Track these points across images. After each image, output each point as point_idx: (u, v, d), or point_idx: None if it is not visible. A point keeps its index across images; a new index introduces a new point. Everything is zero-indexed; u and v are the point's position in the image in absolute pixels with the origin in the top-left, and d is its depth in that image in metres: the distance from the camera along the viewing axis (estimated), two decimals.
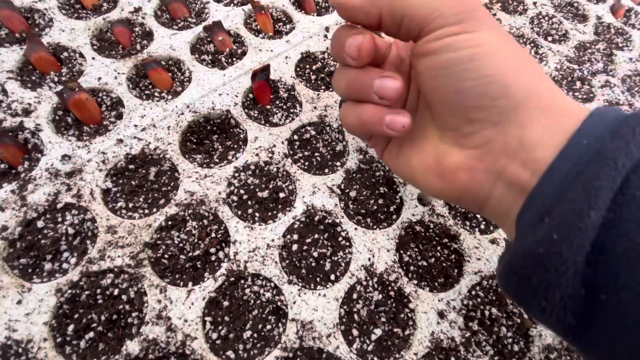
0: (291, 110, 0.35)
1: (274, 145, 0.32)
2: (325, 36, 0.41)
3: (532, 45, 0.45)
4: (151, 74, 0.34)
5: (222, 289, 0.26)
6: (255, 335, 0.25)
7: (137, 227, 0.27)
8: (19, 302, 0.24)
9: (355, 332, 0.26)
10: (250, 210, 0.29)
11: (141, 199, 0.29)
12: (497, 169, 0.20)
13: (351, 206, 0.31)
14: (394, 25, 0.22)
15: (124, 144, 0.31)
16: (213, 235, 0.28)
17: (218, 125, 0.33)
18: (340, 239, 0.29)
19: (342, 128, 0.34)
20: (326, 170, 0.32)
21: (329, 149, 0.33)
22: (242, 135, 0.33)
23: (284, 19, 0.42)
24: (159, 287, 0.25)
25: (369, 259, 0.28)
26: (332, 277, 0.27)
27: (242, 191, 0.30)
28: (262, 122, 0.34)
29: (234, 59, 0.37)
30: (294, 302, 0.26)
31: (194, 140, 0.33)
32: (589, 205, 0.15)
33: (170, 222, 0.28)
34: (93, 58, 0.35)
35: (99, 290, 0.25)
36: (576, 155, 0.16)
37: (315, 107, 0.35)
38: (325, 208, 0.30)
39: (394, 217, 0.31)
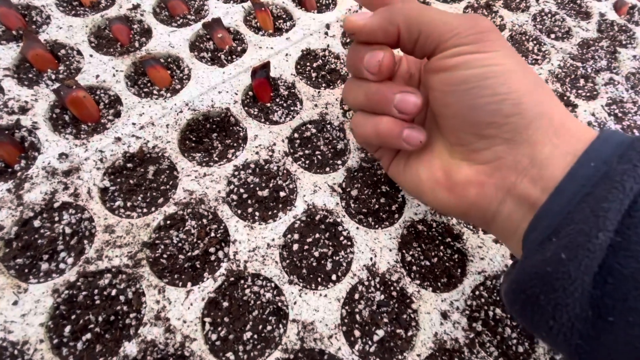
0: (291, 108, 0.35)
1: (274, 144, 0.32)
2: (326, 33, 0.40)
3: (535, 42, 0.45)
4: (150, 71, 0.34)
5: (222, 289, 0.26)
6: (255, 336, 0.25)
7: (135, 227, 0.27)
8: (15, 302, 0.24)
9: (357, 333, 0.25)
10: (250, 210, 0.29)
11: (139, 198, 0.28)
12: (507, 185, 0.20)
13: (353, 205, 0.30)
14: (410, 42, 0.23)
15: (122, 142, 0.30)
16: (212, 234, 0.27)
17: (217, 123, 0.33)
18: (341, 238, 0.28)
19: (343, 126, 0.34)
20: (327, 169, 0.32)
21: (330, 147, 0.33)
22: (241, 134, 0.33)
23: (284, 16, 0.41)
24: (157, 288, 0.25)
25: (371, 259, 0.28)
26: (334, 277, 0.27)
27: (242, 190, 0.29)
28: (262, 120, 0.33)
29: (234, 56, 0.37)
30: (295, 303, 0.25)
31: (193, 139, 0.32)
32: (597, 226, 0.15)
33: (169, 222, 0.28)
34: (91, 55, 0.34)
35: (96, 291, 0.25)
36: (584, 177, 0.17)
37: (316, 105, 0.35)
38: (326, 207, 0.29)
39: (396, 216, 0.30)
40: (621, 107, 0.41)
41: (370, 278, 0.27)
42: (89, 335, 0.23)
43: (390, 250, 0.28)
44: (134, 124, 0.31)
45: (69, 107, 0.30)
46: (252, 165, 0.31)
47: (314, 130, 0.33)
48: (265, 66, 0.33)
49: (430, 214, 0.31)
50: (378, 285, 0.27)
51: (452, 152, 0.23)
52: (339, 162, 0.32)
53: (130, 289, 0.25)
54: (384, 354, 0.25)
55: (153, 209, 0.28)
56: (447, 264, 0.29)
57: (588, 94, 0.41)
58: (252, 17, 0.40)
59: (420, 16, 0.22)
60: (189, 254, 0.26)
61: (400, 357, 0.25)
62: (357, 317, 0.26)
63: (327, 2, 0.44)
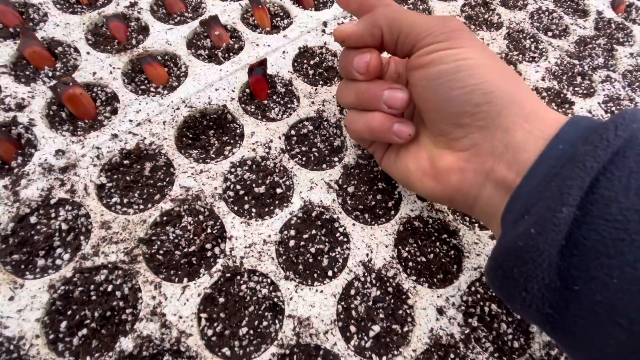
0: (288, 105, 0.35)
1: (271, 141, 0.32)
2: (323, 31, 0.40)
3: (532, 40, 0.45)
4: (147, 68, 0.34)
5: (218, 285, 0.26)
6: (251, 331, 0.25)
7: (131, 223, 0.27)
8: (11, 298, 0.24)
9: (353, 329, 0.25)
10: (246, 206, 0.29)
11: (136, 195, 0.28)
12: (485, 169, 0.22)
13: (349, 202, 0.30)
14: (392, 43, 0.25)
15: (119, 139, 0.30)
16: (209, 230, 0.27)
17: (214, 120, 0.33)
18: (337, 234, 0.28)
19: (340, 123, 0.34)
20: (324, 166, 0.32)
21: (326, 144, 0.33)
22: (238, 131, 0.33)
23: (281, 13, 0.41)
24: (153, 283, 0.25)
25: (367, 255, 0.28)
26: (330, 273, 0.27)
27: (238, 186, 0.29)
28: (259, 117, 0.33)
29: (231, 53, 0.37)
30: (291, 299, 0.26)
31: (190, 136, 0.32)
32: (561, 202, 0.16)
33: (165, 218, 0.28)
34: (88, 53, 0.34)
35: (92, 287, 0.25)
36: (553, 158, 0.18)
37: (312, 102, 0.35)
38: (322, 203, 0.29)
39: (393, 212, 0.30)
40: (618, 104, 0.41)
41: (366, 274, 0.27)
42: (85, 331, 0.23)
43: (387, 246, 0.28)
44: (130, 120, 0.31)
45: (66, 104, 0.30)
46: (249, 162, 0.31)
47: (310, 128, 0.33)
48: (262, 63, 0.33)
49: (427, 211, 0.31)
50: (374, 281, 0.27)
51: (435, 142, 0.25)
52: (336, 159, 0.32)
53: (126, 285, 0.25)
54: (379, 349, 0.25)
55: (149, 205, 0.28)
56: (443, 260, 0.29)
57: (585, 92, 0.42)
58: (249, 15, 0.40)
59: (399, 19, 0.24)
60: (185, 250, 0.26)
61: (396, 352, 0.25)
62: (353, 312, 0.26)
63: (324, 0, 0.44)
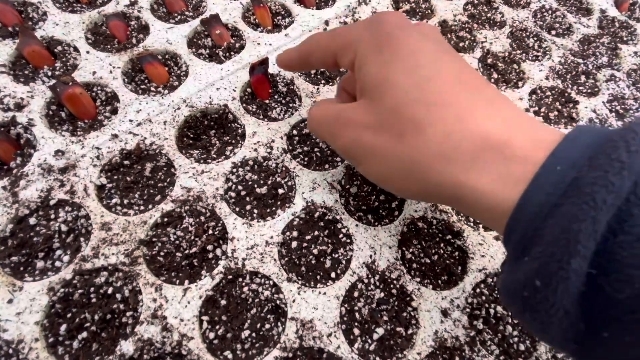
0: (290, 105, 0.34)
1: (273, 141, 0.31)
2: (325, 30, 0.40)
3: (536, 38, 0.45)
4: (147, 68, 0.33)
5: (220, 287, 0.25)
6: (253, 334, 0.24)
7: (132, 224, 0.27)
8: (10, 301, 0.23)
9: (356, 332, 0.25)
10: (248, 207, 0.28)
11: (136, 195, 0.28)
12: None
13: (352, 202, 0.30)
14: (329, 65, 0.26)
15: (119, 139, 0.30)
16: (210, 232, 0.27)
17: (215, 120, 0.33)
18: (340, 235, 0.28)
19: None
20: (326, 166, 0.31)
21: None
22: (240, 130, 0.32)
23: (282, 12, 0.41)
24: (154, 286, 0.25)
25: (371, 256, 0.27)
26: (333, 274, 0.27)
27: (240, 187, 0.29)
28: (261, 116, 0.33)
29: (232, 53, 0.36)
30: (294, 301, 0.25)
31: (191, 136, 0.32)
32: (568, 252, 0.13)
33: (166, 219, 0.27)
34: (87, 52, 0.34)
35: (92, 289, 0.24)
36: (550, 183, 0.15)
37: (314, 102, 0.34)
38: (325, 204, 0.29)
39: (396, 213, 0.30)
40: (622, 103, 0.41)
41: (369, 276, 0.27)
42: (84, 334, 0.23)
43: (390, 247, 0.28)
44: (131, 120, 0.31)
45: (66, 103, 0.30)
46: (251, 162, 0.31)
47: None
48: (264, 62, 0.33)
49: (431, 212, 0.30)
50: (378, 283, 0.27)
51: None
52: (338, 159, 0.32)
53: (126, 287, 0.25)
54: (383, 352, 0.25)
55: (150, 206, 0.28)
56: (447, 261, 0.28)
57: (589, 91, 0.41)
58: (250, 14, 0.40)
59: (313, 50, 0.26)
60: (187, 251, 0.26)
61: (400, 355, 0.25)
62: (357, 315, 0.25)
63: None
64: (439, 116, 0.18)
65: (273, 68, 0.36)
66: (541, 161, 0.16)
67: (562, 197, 0.14)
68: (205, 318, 0.24)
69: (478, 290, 0.28)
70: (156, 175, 0.29)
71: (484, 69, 0.41)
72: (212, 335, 0.24)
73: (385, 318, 0.26)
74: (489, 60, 0.41)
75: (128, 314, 0.24)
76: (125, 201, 0.28)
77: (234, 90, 0.34)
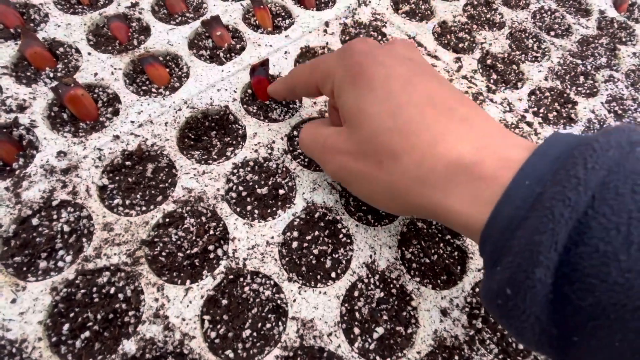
0: (290, 106, 0.34)
1: (274, 141, 0.32)
2: (325, 31, 0.40)
3: (535, 39, 0.45)
4: (148, 69, 0.34)
5: (221, 287, 0.26)
6: (254, 334, 0.24)
7: (134, 225, 0.27)
8: (13, 301, 0.24)
9: (356, 331, 0.25)
10: (249, 207, 0.29)
11: (138, 196, 0.28)
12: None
13: (352, 203, 0.30)
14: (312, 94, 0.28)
15: (121, 140, 0.30)
16: (211, 232, 0.27)
17: (216, 121, 0.33)
18: (341, 236, 0.28)
19: None
20: None
21: None
22: (240, 132, 0.32)
23: (283, 13, 0.41)
24: (156, 286, 0.25)
25: (371, 256, 0.28)
26: (333, 274, 0.27)
27: (241, 188, 0.29)
28: (261, 117, 0.33)
29: (233, 54, 0.37)
30: (294, 300, 0.25)
31: (192, 137, 0.32)
32: (532, 262, 0.14)
33: (167, 220, 0.27)
34: (89, 53, 0.34)
35: (94, 289, 0.24)
36: (519, 198, 0.16)
37: (315, 103, 0.35)
38: (325, 205, 0.29)
39: None
40: (621, 104, 0.41)
41: (369, 275, 0.27)
42: (87, 334, 0.23)
43: (390, 247, 0.28)
44: (132, 122, 0.31)
45: (67, 105, 0.30)
46: (251, 163, 0.31)
47: None
48: (264, 64, 0.33)
49: None
50: (378, 283, 0.27)
51: None
52: None
53: (129, 287, 0.25)
54: (383, 351, 0.25)
55: (152, 206, 0.28)
56: (447, 261, 0.29)
57: (588, 91, 0.41)
58: (251, 15, 0.40)
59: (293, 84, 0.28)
60: (188, 251, 0.26)
61: (400, 354, 0.25)
62: (357, 314, 0.26)
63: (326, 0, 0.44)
64: (412, 143, 0.20)
65: (273, 69, 0.36)
66: (507, 182, 0.16)
67: (529, 211, 0.15)
68: (206, 317, 0.24)
69: (477, 289, 0.28)
70: (158, 176, 0.29)
71: (483, 70, 0.41)
72: (213, 334, 0.24)
73: (385, 317, 0.26)
74: (489, 61, 0.41)
75: (130, 313, 0.24)
76: (127, 202, 0.28)
77: (235, 92, 0.34)
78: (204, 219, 0.28)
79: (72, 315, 0.24)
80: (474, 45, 0.43)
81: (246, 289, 0.26)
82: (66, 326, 0.23)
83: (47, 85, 0.32)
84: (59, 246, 0.26)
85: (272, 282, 0.26)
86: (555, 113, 0.39)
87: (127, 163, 0.29)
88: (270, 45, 0.38)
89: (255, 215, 0.28)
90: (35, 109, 0.30)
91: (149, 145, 0.30)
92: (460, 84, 0.39)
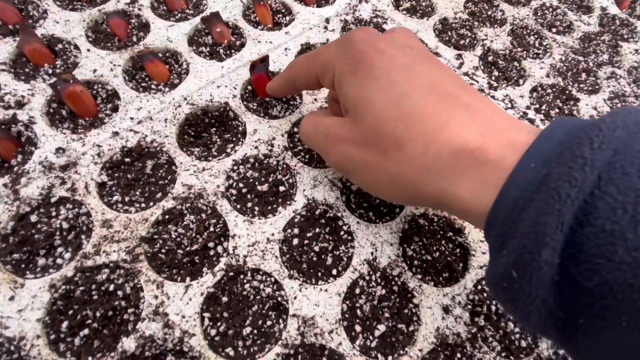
0: (291, 102, 0.34)
1: (274, 138, 0.31)
2: (325, 28, 0.40)
3: (537, 36, 0.45)
4: (148, 66, 0.33)
5: (221, 284, 0.25)
6: (255, 331, 0.24)
7: (133, 222, 0.27)
8: (12, 298, 0.23)
9: (358, 328, 0.25)
10: (249, 204, 0.28)
11: (137, 193, 0.28)
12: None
13: (353, 200, 0.30)
14: (311, 86, 0.27)
15: (120, 136, 0.30)
16: (211, 229, 0.27)
17: (216, 117, 0.33)
18: (342, 232, 0.28)
19: None
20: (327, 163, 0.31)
21: None
22: (240, 128, 0.32)
23: (283, 10, 0.41)
24: (155, 283, 0.25)
25: (372, 253, 0.27)
26: (334, 271, 0.27)
27: (241, 184, 0.29)
28: (262, 114, 0.33)
29: (233, 50, 0.36)
30: (295, 298, 0.25)
31: (192, 133, 0.32)
32: (538, 243, 0.14)
33: (167, 216, 0.27)
34: (88, 50, 0.34)
35: (94, 286, 0.24)
36: (525, 180, 0.16)
37: (315, 99, 0.34)
38: (326, 201, 0.29)
39: (397, 210, 0.30)
40: (623, 101, 0.41)
41: (371, 272, 0.27)
42: (86, 331, 0.23)
43: (392, 244, 0.28)
44: (131, 118, 0.31)
45: (66, 101, 0.30)
46: (252, 160, 0.30)
47: None
48: (264, 60, 0.33)
49: (432, 209, 0.30)
50: (379, 280, 0.27)
51: None
52: None
53: (128, 284, 0.25)
54: (385, 349, 0.25)
55: (151, 203, 0.28)
56: (448, 258, 0.28)
57: (590, 88, 0.41)
58: (251, 12, 0.40)
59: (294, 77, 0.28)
60: (188, 248, 0.26)
61: (402, 352, 0.25)
62: (358, 312, 0.25)
63: None
64: (417, 130, 0.19)
65: (274, 66, 0.36)
66: (513, 165, 0.16)
67: (535, 192, 0.15)
68: (206, 315, 0.24)
69: (479, 287, 0.28)
70: (157, 172, 0.29)
71: (484, 67, 0.41)
72: (213, 332, 0.24)
73: (386, 315, 0.26)
74: (490, 58, 0.41)
75: (129, 310, 0.24)
76: (126, 198, 0.28)
77: (235, 88, 0.34)
78: (204, 215, 0.27)
79: (71, 312, 0.23)
80: (475, 42, 0.42)
81: (246, 286, 0.25)
82: (65, 324, 0.23)
83: (45, 81, 0.32)
84: (57, 243, 0.25)
85: (272, 280, 0.26)
86: (557, 110, 0.38)
87: (127, 160, 0.29)
88: (271, 42, 0.37)
89: (256, 212, 0.28)
90: (33, 105, 0.30)
91: (148, 141, 0.30)
92: None
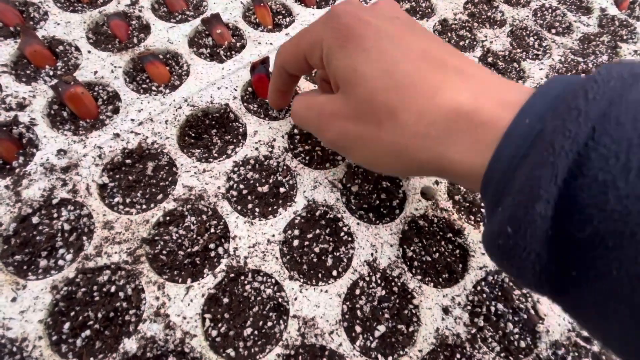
0: (291, 104, 0.34)
1: (274, 139, 0.32)
2: None
3: (536, 37, 0.45)
4: (148, 67, 0.34)
5: (222, 285, 0.25)
6: (255, 332, 0.24)
7: (134, 223, 0.27)
8: (14, 299, 0.23)
9: (358, 329, 0.25)
10: (250, 205, 0.29)
11: (138, 194, 0.28)
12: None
13: (353, 201, 0.30)
14: (302, 70, 0.27)
15: (121, 138, 0.30)
16: (212, 230, 0.27)
17: (217, 119, 0.33)
18: (342, 234, 0.28)
19: None
20: (327, 165, 0.31)
21: None
22: (241, 130, 0.32)
23: (283, 11, 0.41)
24: (157, 284, 0.25)
25: (372, 254, 0.28)
26: (334, 272, 0.27)
27: (241, 186, 0.29)
28: (262, 115, 0.33)
29: (233, 52, 0.36)
30: (296, 299, 0.25)
31: (193, 135, 0.32)
32: (532, 197, 0.14)
33: (168, 218, 0.27)
34: (89, 51, 0.34)
35: (95, 287, 0.24)
36: (519, 136, 0.16)
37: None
38: (326, 203, 0.29)
39: (397, 211, 0.30)
40: None
41: (371, 273, 0.27)
42: (88, 332, 0.23)
43: (391, 245, 0.28)
44: (132, 120, 0.31)
45: (67, 103, 0.30)
46: (252, 161, 0.31)
47: None
48: (265, 61, 0.33)
49: (431, 210, 0.30)
50: (379, 281, 0.27)
51: None
52: (339, 157, 0.32)
53: (129, 286, 0.25)
54: (385, 349, 0.25)
55: (152, 205, 0.28)
56: (448, 259, 0.29)
57: None
58: (251, 13, 0.40)
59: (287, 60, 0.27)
60: (189, 250, 0.26)
61: (401, 352, 0.25)
62: (358, 312, 0.26)
63: None
64: (410, 98, 0.19)
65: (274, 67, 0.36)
66: (508, 124, 0.16)
67: (530, 148, 0.15)
68: (207, 316, 0.24)
69: (479, 287, 0.28)
70: (158, 174, 0.29)
71: None
72: (214, 333, 0.24)
73: (386, 315, 0.26)
74: (489, 59, 0.41)
75: (131, 312, 0.24)
76: (128, 200, 0.28)
77: (235, 90, 0.34)
78: (204, 217, 0.28)
79: (72, 313, 0.24)
80: (474, 43, 0.43)
81: (247, 287, 0.26)
82: (67, 325, 0.23)
83: (46, 83, 0.32)
84: (59, 244, 0.25)
85: (273, 281, 0.26)
86: None
87: (128, 161, 0.29)
88: (271, 44, 0.37)
89: (256, 214, 0.28)
90: (35, 107, 0.30)
91: (149, 143, 0.30)
92: None
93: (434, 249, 0.29)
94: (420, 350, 0.25)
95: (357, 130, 0.22)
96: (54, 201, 0.27)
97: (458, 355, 0.25)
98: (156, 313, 0.24)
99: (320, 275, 0.27)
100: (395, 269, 0.27)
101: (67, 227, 0.26)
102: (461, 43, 0.42)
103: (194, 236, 0.27)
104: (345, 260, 0.27)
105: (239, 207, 0.29)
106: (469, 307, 0.27)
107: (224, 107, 0.33)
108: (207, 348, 0.23)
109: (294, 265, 0.27)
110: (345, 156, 0.25)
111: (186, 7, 0.39)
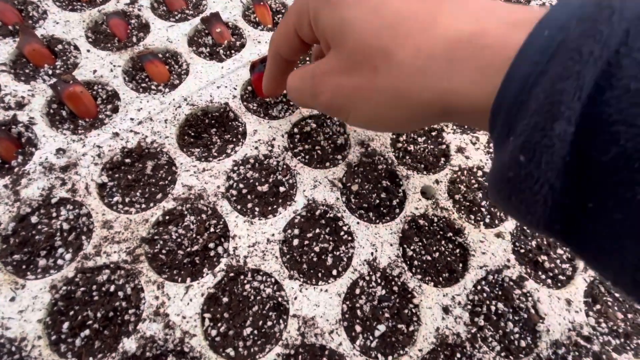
0: (291, 103, 0.34)
1: (274, 139, 0.32)
2: None
3: None
4: (148, 66, 0.33)
5: (222, 284, 0.25)
6: (255, 332, 0.24)
7: (133, 222, 0.27)
8: (12, 299, 0.23)
9: (358, 328, 0.25)
10: (249, 205, 0.29)
11: (138, 194, 0.28)
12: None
13: (353, 200, 0.30)
14: (298, 50, 0.25)
15: (120, 137, 0.30)
16: (212, 230, 0.27)
17: (216, 118, 0.33)
18: (342, 233, 0.28)
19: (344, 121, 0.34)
20: (327, 164, 0.31)
21: (330, 142, 0.32)
22: (241, 129, 0.32)
23: (283, 10, 0.41)
24: (156, 283, 0.25)
25: (372, 254, 0.28)
26: (334, 272, 0.27)
27: (241, 185, 0.29)
28: (262, 115, 0.33)
29: (233, 51, 0.36)
30: (295, 298, 0.25)
31: (192, 134, 0.32)
32: (551, 115, 0.12)
33: (167, 217, 0.27)
34: (88, 50, 0.34)
35: (94, 287, 0.24)
36: (537, 51, 0.13)
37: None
38: (326, 202, 0.29)
39: (397, 210, 0.30)
40: None
41: (371, 273, 0.27)
42: (87, 332, 0.23)
43: (391, 245, 0.28)
44: (132, 119, 0.31)
45: (66, 102, 0.30)
46: (252, 161, 0.31)
47: (313, 125, 0.33)
48: (264, 60, 0.33)
49: (432, 209, 0.30)
50: (379, 280, 0.27)
51: None
52: (339, 156, 0.32)
53: (129, 285, 0.25)
54: (385, 349, 0.25)
55: (152, 204, 0.28)
56: (448, 258, 0.29)
57: None
58: (250, 12, 0.40)
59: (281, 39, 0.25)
60: (188, 249, 0.26)
61: (401, 352, 0.25)
62: (358, 312, 0.26)
63: None
64: (404, 33, 0.18)
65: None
66: (519, 43, 0.14)
67: (549, 63, 0.13)
68: (207, 315, 0.24)
69: (479, 287, 0.28)
70: (157, 173, 0.29)
71: None
72: (214, 332, 0.24)
73: (386, 315, 0.26)
74: None
75: (130, 311, 0.24)
76: (127, 199, 0.28)
77: (235, 89, 0.34)
78: (204, 216, 0.28)
79: (71, 313, 0.24)
80: None
81: (247, 286, 0.26)
82: (66, 324, 0.23)
83: (45, 82, 0.32)
84: (58, 244, 0.25)
85: (273, 280, 0.26)
86: None
87: (127, 160, 0.29)
88: None
89: (256, 213, 0.28)
90: (34, 106, 0.30)
91: (148, 142, 0.30)
92: None
93: (434, 248, 0.29)
94: (420, 350, 0.25)
95: (352, 82, 0.20)
96: (53, 200, 0.27)
97: (458, 355, 0.25)
98: (155, 312, 0.24)
99: (320, 274, 0.27)
100: (395, 268, 0.27)
101: (66, 226, 0.26)
102: None
103: (194, 235, 0.27)
104: (345, 259, 0.27)
105: (238, 207, 0.28)
106: (469, 307, 0.27)
107: (223, 106, 0.33)
108: (206, 347, 0.23)
109: (294, 264, 0.27)
110: (344, 120, 0.23)
111: (186, 6, 0.39)
